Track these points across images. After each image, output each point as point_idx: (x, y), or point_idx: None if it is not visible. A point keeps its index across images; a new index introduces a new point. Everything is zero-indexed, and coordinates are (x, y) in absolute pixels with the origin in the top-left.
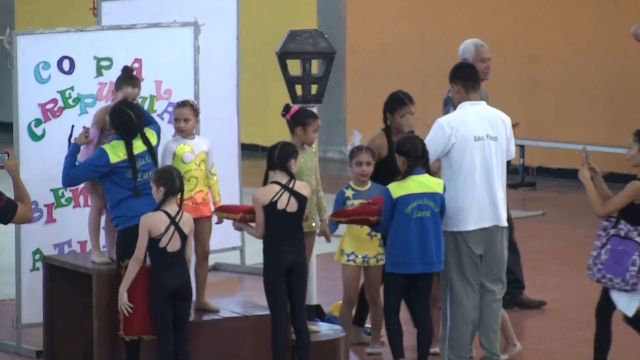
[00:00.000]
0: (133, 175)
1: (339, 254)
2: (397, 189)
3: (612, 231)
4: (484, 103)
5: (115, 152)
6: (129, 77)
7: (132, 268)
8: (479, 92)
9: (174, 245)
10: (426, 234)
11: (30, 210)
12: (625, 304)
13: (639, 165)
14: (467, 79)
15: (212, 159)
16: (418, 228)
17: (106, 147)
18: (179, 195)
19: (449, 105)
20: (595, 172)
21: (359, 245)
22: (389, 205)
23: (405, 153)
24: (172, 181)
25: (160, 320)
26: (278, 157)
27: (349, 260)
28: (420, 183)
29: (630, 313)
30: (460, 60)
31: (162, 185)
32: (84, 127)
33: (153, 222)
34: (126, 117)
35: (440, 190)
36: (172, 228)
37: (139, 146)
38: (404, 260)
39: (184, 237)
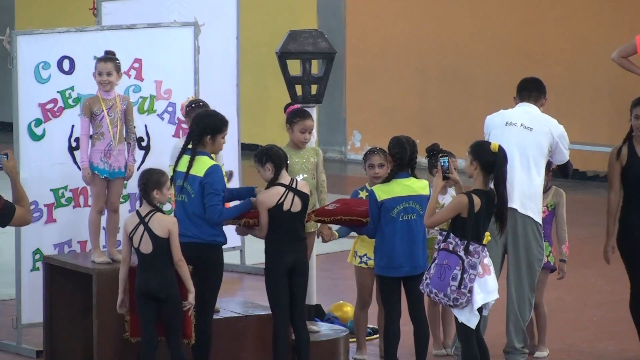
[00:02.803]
0: (172, 184)
1: (352, 257)
2: (381, 192)
3: (442, 245)
4: (536, 108)
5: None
6: (107, 55)
7: (120, 269)
8: (537, 100)
9: (145, 247)
10: (413, 237)
11: (28, 213)
12: (466, 317)
13: (472, 177)
14: (522, 90)
15: (221, 159)
16: (404, 231)
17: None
18: (154, 195)
19: None
20: (457, 182)
21: (371, 248)
22: (375, 208)
23: (392, 156)
24: (138, 182)
25: (140, 319)
26: (285, 158)
27: (361, 262)
28: (405, 186)
29: (473, 325)
30: None
31: None
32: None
33: (126, 222)
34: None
35: (426, 192)
36: (141, 227)
37: (181, 165)
38: (391, 264)
39: (155, 239)
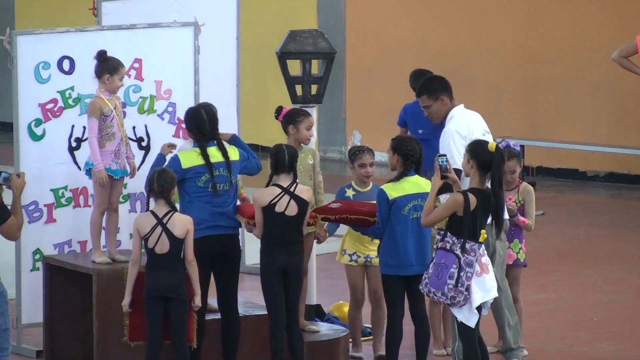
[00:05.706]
0: (211, 178)
1: (340, 255)
2: (392, 190)
3: (440, 244)
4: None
5: (188, 158)
6: (115, 58)
7: (130, 270)
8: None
9: (162, 247)
10: (423, 235)
11: (19, 228)
12: (464, 316)
13: (469, 176)
14: (449, 89)
15: None
16: (415, 229)
17: (180, 153)
18: (172, 195)
19: None
20: (454, 181)
21: (361, 247)
22: (386, 207)
23: (404, 155)
24: (151, 183)
25: (147, 320)
26: (289, 160)
27: (351, 260)
28: (414, 184)
29: (472, 324)
30: None
31: (147, 186)
32: (169, 144)
33: (140, 223)
34: (199, 119)
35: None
36: (158, 228)
37: (214, 155)
38: (402, 263)
39: (173, 239)
